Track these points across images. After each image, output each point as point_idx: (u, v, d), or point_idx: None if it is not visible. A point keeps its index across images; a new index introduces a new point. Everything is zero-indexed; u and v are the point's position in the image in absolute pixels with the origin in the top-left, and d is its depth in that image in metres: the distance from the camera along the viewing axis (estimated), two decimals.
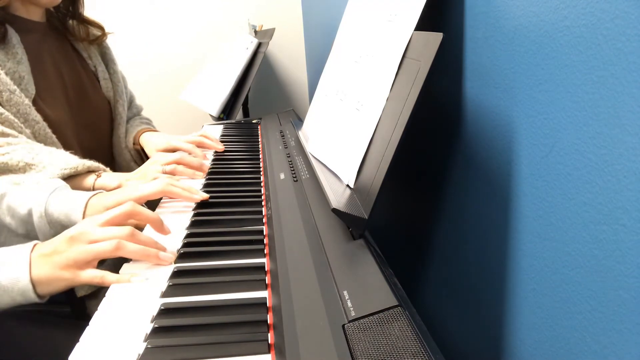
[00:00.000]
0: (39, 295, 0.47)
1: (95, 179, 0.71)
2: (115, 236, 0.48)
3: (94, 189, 0.70)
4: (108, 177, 0.72)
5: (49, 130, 0.73)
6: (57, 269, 0.47)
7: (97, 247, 0.48)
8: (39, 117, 0.72)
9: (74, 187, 0.68)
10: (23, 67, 0.72)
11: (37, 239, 0.58)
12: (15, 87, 0.70)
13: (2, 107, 0.68)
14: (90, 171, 0.72)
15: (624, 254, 0.28)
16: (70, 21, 0.89)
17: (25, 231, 0.58)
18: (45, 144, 0.72)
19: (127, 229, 0.49)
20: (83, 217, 0.57)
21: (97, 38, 0.93)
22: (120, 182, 0.71)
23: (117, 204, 0.58)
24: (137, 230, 0.50)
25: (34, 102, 0.73)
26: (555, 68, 0.33)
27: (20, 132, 0.69)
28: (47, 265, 0.47)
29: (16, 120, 0.68)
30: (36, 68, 0.76)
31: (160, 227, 0.54)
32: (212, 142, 0.90)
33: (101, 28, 0.94)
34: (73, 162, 0.69)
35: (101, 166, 0.74)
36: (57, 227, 0.58)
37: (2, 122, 0.67)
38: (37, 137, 0.72)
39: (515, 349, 0.43)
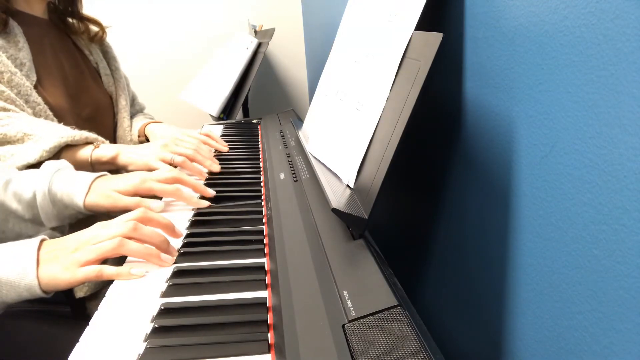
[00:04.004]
0: (44, 292, 0.47)
1: (93, 150, 0.71)
2: (117, 234, 0.49)
3: (91, 159, 0.71)
4: (105, 147, 0.72)
5: (50, 113, 0.74)
6: (62, 269, 0.47)
7: (99, 246, 0.48)
8: (39, 100, 0.72)
9: (71, 158, 0.68)
10: (24, 54, 0.73)
11: (42, 222, 0.58)
12: (17, 70, 0.70)
13: (4, 86, 0.68)
14: (88, 142, 0.72)
15: (624, 254, 0.28)
16: (70, 19, 0.90)
17: (31, 216, 0.58)
18: None
19: (130, 225, 0.49)
20: (85, 199, 0.57)
21: (96, 34, 0.94)
22: (118, 151, 0.72)
23: (124, 191, 0.59)
24: (140, 225, 0.50)
25: (35, 88, 0.73)
26: (555, 68, 0.33)
27: (22, 110, 0.69)
28: (53, 265, 0.47)
29: (18, 99, 0.69)
30: (37, 58, 0.77)
31: (172, 232, 0.55)
32: (216, 142, 0.90)
33: (100, 25, 0.95)
34: (71, 131, 0.69)
35: (99, 137, 0.74)
36: (59, 206, 0.58)
37: (5, 99, 0.68)
38: (38, 117, 0.72)
39: (515, 349, 0.43)
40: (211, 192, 0.65)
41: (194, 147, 0.76)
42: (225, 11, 1.68)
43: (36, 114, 0.72)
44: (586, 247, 0.32)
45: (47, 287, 0.47)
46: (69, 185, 0.58)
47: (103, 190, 0.58)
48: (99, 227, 0.51)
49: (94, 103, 0.89)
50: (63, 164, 0.62)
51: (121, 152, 0.72)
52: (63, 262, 0.47)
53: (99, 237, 0.49)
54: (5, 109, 0.67)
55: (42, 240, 0.49)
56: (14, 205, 0.58)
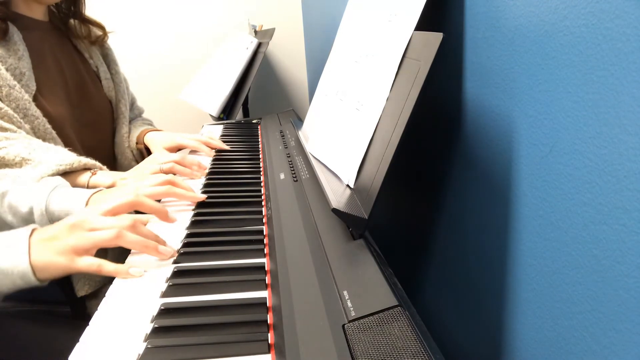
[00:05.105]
0: (39, 280, 0.47)
1: (90, 177, 0.71)
2: (115, 225, 0.48)
3: (88, 187, 0.70)
4: (103, 175, 0.72)
5: (48, 126, 0.73)
6: (55, 255, 0.46)
7: (96, 234, 0.47)
8: (38, 113, 0.72)
9: (69, 183, 0.68)
10: (24, 64, 0.72)
11: None
12: (16, 82, 0.70)
13: (2, 102, 0.68)
14: (86, 168, 0.72)
15: (624, 254, 0.28)
16: (72, 21, 0.89)
17: None
18: (45, 139, 0.72)
19: (128, 219, 0.49)
20: None
21: (98, 38, 0.93)
22: (114, 181, 0.72)
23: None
24: (139, 222, 0.50)
25: (35, 99, 0.73)
26: (555, 68, 0.33)
27: (20, 127, 0.69)
28: (45, 251, 0.46)
29: (15, 115, 0.68)
30: (37, 65, 0.76)
31: (165, 217, 0.54)
32: (217, 141, 0.92)
33: (102, 28, 0.94)
34: (69, 158, 0.69)
35: (97, 164, 0.74)
36: None
37: (2, 116, 0.67)
38: (36, 132, 0.72)
39: (515, 349, 0.43)
40: (202, 196, 0.65)
41: (178, 157, 0.78)
42: (225, 11, 1.68)
43: (34, 128, 0.71)
44: (586, 247, 0.32)
45: (42, 274, 0.46)
46: (66, 203, 0.57)
47: None
48: (92, 211, 0.50)
49: (93, 109, 0.89)
50: (60, 181, 0.62)
51: (117, 181, 0.72)
52: (56, 247, 0.46)
53: (94, 224, 0.48)
54: (3, 129, 0.66)
55: (33, 229, 0.49)
56: (9, 217, 0.57)
